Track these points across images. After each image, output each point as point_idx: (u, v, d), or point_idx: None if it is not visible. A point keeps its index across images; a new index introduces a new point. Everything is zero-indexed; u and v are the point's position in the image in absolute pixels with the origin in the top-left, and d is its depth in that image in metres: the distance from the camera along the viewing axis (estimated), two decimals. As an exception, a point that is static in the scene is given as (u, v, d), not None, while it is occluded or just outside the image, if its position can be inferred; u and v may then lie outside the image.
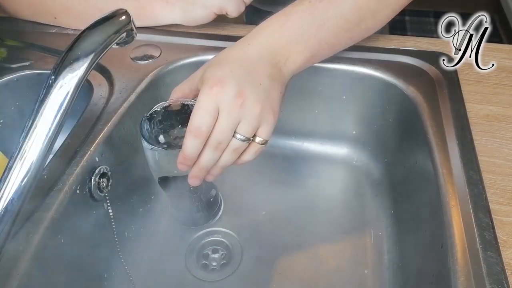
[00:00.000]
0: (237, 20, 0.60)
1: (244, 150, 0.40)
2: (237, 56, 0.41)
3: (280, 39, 0.42)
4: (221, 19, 0.59)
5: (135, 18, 0.35)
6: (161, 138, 0.41)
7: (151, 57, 0.57)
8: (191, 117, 0.37)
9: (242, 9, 0.56)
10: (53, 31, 0.61)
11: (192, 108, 0.38)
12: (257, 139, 0.39)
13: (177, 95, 0.43)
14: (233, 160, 0.40)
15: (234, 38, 0.59)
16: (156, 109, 0.42)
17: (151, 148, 0.40)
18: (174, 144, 0.40)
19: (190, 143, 0.37)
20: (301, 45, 0.42)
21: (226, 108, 0.37)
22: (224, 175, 0.42)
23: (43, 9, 0.60)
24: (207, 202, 0.54)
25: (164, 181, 0.46)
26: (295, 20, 0.42)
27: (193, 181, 0.41)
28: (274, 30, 0.42)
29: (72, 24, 0.60)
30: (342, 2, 0.43)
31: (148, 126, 0.41)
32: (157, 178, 0.46)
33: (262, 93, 0.38)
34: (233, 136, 0.38)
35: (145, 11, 0.58)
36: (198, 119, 0.37)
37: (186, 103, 0.42)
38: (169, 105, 0.42)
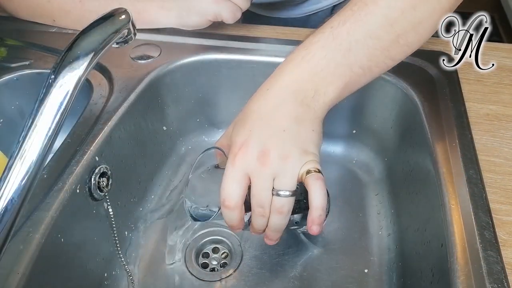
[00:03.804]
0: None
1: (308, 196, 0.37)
2: (255, 109, 0.38)
3: (302, 74, 0.38)
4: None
5: None
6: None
7: (151, 56, 0.57)
8: (220, 189, 0.36)
9: (238, 16, 0.56)
10: (53, 30, 0.61)
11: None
12: (307, 176, 0.36)
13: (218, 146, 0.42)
14: (285, 220, 0.37)
15: (234, 38, 0.60)
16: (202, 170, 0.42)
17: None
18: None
19: (227, 215, 0.37)
20: (328, 75, 0.37)
21: (254, 173, 0.35)
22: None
23: (41, 12, 0.60)
24: None
25: None
26: (317, 50, 0.38)
27: (255, 234, 0.41)
28: (294, 66, 0.38)
29: (71, 26, 0.60)
30: (370, 20, 0.37)
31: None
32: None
33: (288, 141, 0.35)
34: (275, 194, 0.35)
35: (141, 16, 0.58)
36: (227, 191, 0.36)
37: None
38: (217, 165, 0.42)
